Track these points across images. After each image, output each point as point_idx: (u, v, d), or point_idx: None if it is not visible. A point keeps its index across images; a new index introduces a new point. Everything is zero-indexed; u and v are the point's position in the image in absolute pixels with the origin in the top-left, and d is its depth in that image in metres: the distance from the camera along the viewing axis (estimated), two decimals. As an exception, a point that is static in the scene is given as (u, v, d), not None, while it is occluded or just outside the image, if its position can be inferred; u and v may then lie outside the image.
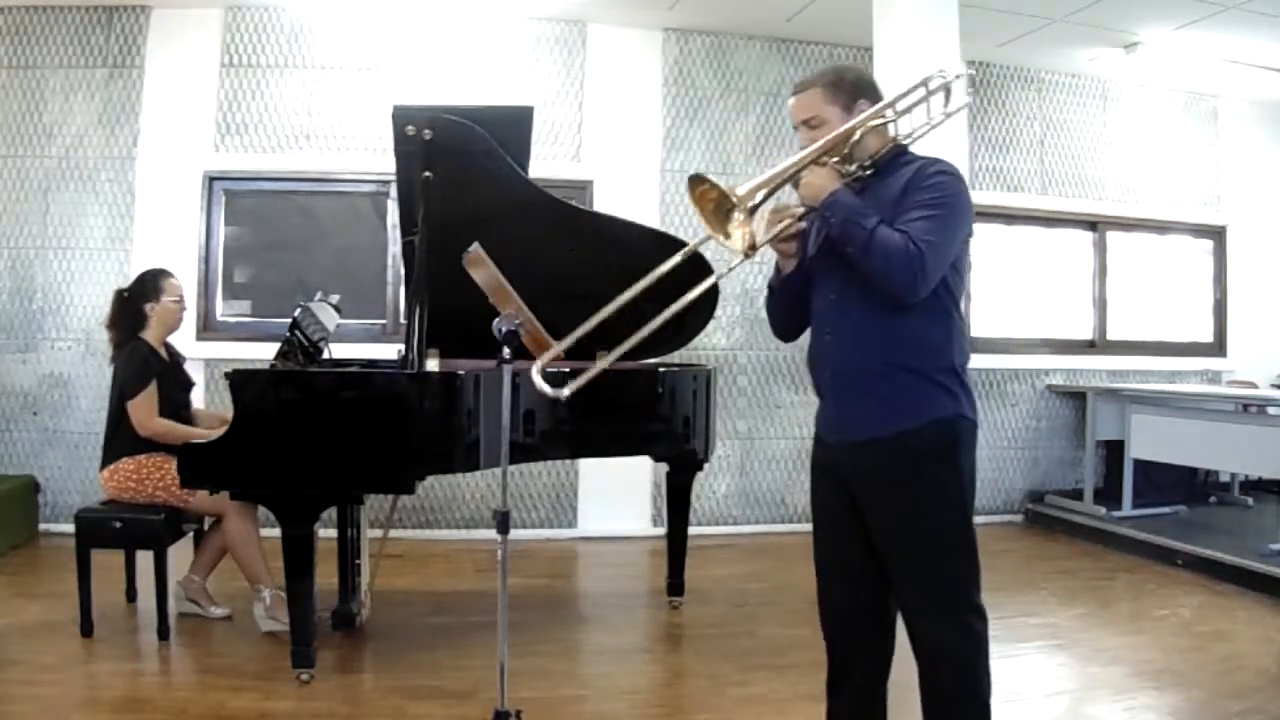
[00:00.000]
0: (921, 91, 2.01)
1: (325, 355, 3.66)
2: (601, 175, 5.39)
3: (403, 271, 4.27)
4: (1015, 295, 6.18)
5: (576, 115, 5.38)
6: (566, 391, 2.11)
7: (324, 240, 5.45)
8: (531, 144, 3.50)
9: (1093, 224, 6.28)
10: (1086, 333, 6.34)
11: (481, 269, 2.31)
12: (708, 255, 2.46)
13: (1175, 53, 5.55)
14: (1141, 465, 5.35)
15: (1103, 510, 5.39)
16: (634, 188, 5.40)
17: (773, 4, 5.09)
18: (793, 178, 1.95)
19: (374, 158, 5.00)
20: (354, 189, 5.31)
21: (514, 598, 2.69)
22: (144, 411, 3.36)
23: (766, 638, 3.55)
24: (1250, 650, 3.45)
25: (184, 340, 4.09)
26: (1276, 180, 6.59)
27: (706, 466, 3.95)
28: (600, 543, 5.18)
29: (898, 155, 2.01)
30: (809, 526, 2.18)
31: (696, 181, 1.90)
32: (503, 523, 2.32)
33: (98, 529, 3.32)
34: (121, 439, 3.40)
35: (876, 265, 1.86)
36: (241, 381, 2.97)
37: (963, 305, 2.03)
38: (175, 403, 3.53)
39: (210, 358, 4.88)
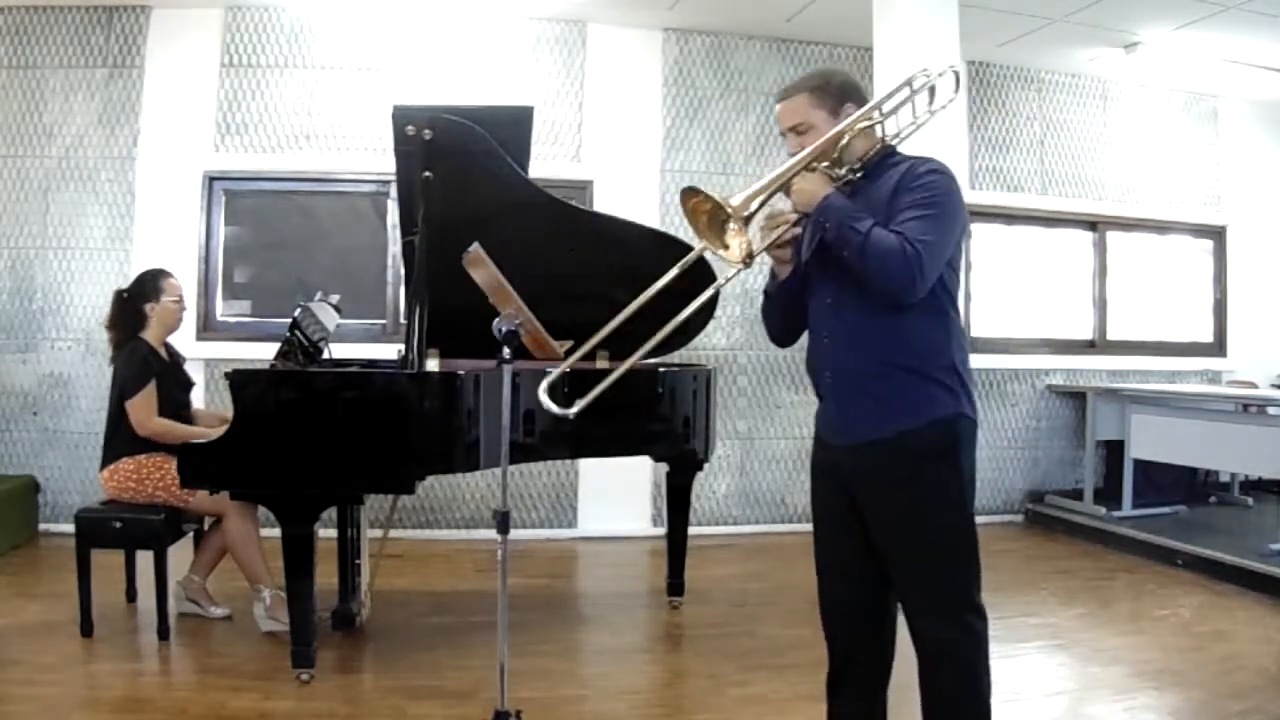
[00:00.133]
0: (906, 91, 2.01)
1: (325, 355, 3.66)
2: (601, 175, 5.39)
3: (403, 271, 4.27)
4: (1015, 295, 6.17)
5: (576, 115, 5.38)
6: (574, 411, 2.10)
7: (324, 240, 5.45)
8: (531, 144, 3.50)
9: (1093, 224, 6.28)
10: (1086, 333, 6.33)
11: (481, 269, 2.31)
12: (707, 257, 2.45)
13: (1175, 53, 5.55)
14: (1141, 465, 5.35)
15: (1103, 510, 5.39)
16: (634, 188, 5.40)
17: (773, 4, 5.09)
18: (784, 185, 1.95)
19: (374, 158, 5.01)
20: (354, 189, 5.31)
21: (514, 598, 2.69)
22: (143, 411, 3.36)
23: (766, 638, 3.55)
24: (1250, 650, 3.45)
25: (184, 340, 4.09)
26: (1276, 180, 6.59)
27: (706, 466, 3.95)
28: (600, 543, 5.18)
29: (886, 156, 2.01)
30: (809, 526, 2.18)
31: (690, 194, 1.89)
32: (503, 523, 2.33)
33: (98, 529, 3.32)
34: (121, 439, 3.40)
35: (873, 267, 1.86)
36: (241, 381, 2.97)
37: (962, 305, 2.03)
38: (175, 403, 3.53)
39: (210, 358, 4.88)
